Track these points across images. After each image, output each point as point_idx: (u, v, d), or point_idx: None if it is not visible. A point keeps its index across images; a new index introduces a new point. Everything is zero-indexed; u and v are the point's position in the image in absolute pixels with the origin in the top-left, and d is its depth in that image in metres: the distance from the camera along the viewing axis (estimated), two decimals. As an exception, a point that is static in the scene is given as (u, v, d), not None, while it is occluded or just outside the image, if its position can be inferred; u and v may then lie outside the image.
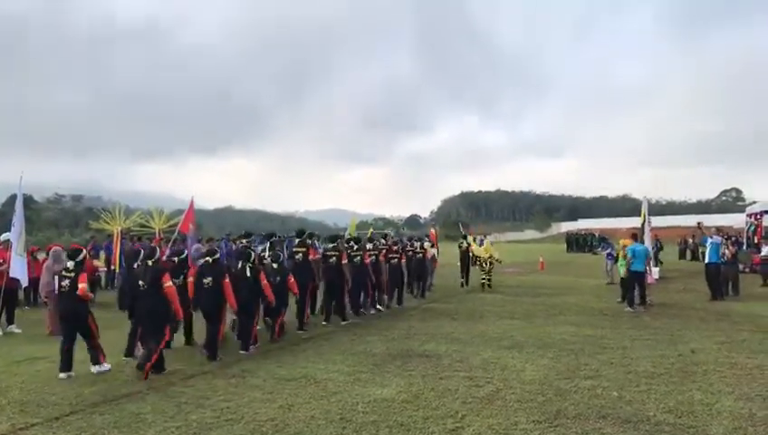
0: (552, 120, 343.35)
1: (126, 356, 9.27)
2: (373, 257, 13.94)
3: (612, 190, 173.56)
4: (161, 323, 8.39)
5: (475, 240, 22.69)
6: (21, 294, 14.59)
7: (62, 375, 8.16)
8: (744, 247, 25.25)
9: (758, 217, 26.32)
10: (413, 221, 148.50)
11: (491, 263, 19.89)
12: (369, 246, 14.29)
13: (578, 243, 52.59)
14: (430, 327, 11.88)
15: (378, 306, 14.51)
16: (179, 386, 7.61)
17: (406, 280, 16.49)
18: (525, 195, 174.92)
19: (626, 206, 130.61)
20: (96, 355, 8.52)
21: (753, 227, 27.39)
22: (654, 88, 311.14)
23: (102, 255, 18.82)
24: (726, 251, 17.10)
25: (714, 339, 10.43)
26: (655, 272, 16.56)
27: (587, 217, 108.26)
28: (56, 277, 8.66)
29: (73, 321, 8.43)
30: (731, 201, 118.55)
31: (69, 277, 8.39)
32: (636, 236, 15.55)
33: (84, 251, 9.04)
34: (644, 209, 20.91)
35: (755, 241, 26.02)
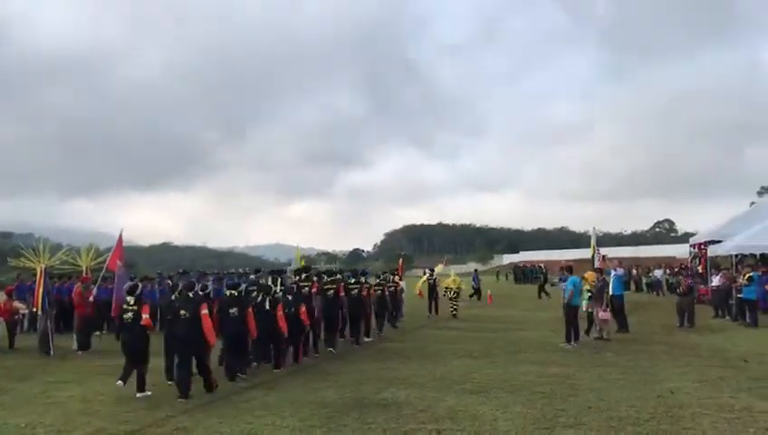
0: (490, 156, 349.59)
1: (170, 380, 9.94)
2: (356, 291, 14.66)
3: (550, 223, 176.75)
4: (201, 346, 9.32)
5: (424, 273, 23.16)
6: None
7: (118, 383, 9.25)
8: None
9: (702, 247, 26.46)
10: (355, 255, 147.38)
11: (457, 293, 21.36)
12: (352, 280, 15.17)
13: (525, 275, 52.92)
14: (385, 370, 10.95)
15: (367, 338, 15.25)
16: (101, 451, 6.46)
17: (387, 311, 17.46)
18: (466, 228, 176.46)
19: (563, 238, 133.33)
20: (143, 383, 9.40)
21: (697, 258, 27.57)
22: (588, 125, 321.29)
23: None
24: (681, 282, 16.83)
25: (689, 377, 9.87)
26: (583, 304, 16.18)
27: (527, 250, 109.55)
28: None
29: (134, 348, 9.51)
30: (664, 232, 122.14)
31: (132, 310, 9.49)
32: (571, 268, 15.13)
33: (140, 286, 10.37)
34: (593, 241, 20.68)
35: (699, 271, 26.12)
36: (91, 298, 15.04)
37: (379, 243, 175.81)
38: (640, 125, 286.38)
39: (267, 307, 10.83)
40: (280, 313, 10.82)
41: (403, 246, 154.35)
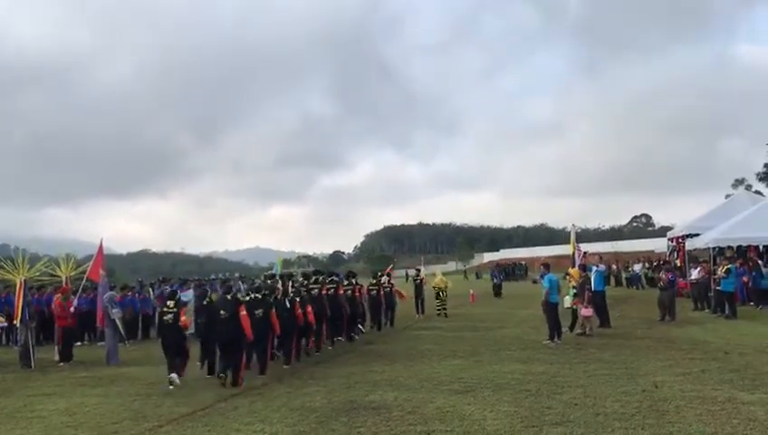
0: (468, 155, 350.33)
1: (209, 374, 11.21)
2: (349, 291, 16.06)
3: (529, 220, 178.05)
4: (239, 343, 10.52)
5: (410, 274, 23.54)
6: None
7: (171, 386, 10.31)
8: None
9: (680, 240, 26.79)
10: (337, 257, 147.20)
11: (445, 292, 22.07)
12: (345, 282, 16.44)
13: (506, 272, 53.22)
14: (372, 373, 10.94)
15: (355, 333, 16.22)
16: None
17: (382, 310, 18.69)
18: (446, 227, 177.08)
19: (542, 235, 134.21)
20: (180, 369, 10.72)
21: (675, 252, 27.90)
22: (564, 122, 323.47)
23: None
24: (662, 276, 17.03)
25: (672, 370, 9.97)
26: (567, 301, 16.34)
27: (507, 247, 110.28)
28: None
29: (174, 345, 10.83)
30: (642, 227, 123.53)
31: (172, 313, 10.84)
32: (548, 265, 15.22)
33: (179, 293, 12.22)
34: (572, 237, 20.88)
35: (678, 265, 26.43)
36: (72, 309, 14.87)
37: (359, 245, 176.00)
38: (615, 120, 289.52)
39: (288, 306, 12.07)
40: (298, 311, 12.20)
41: (384, 247, 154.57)
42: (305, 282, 15.03)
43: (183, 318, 10.91)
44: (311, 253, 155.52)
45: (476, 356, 12.39)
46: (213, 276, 26.18)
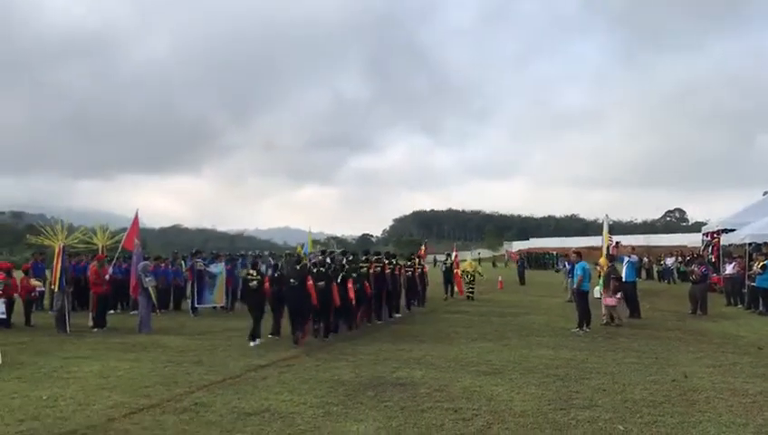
0: (499, 142, 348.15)
1: (271, 334, 12.63)
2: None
3: (560, 211, 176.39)
4: (306, 308, 11.86)
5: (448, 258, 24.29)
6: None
7: (252, 343, 11.72)
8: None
9: (715, 235, 26.33)
10: (365, 240, 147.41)
11: (473, 277, 23.03)
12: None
13: (537, 261, 53.22)
14: (400, 351, 11.00)
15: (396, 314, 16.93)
16: (122, 423, 6.53)
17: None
18: (475, 214, 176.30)
19: (574, 226, 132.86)
20: (258, 334, 12.02)
21: (710, 246, 27.44)
22: (599, 112, 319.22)
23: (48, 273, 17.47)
24: (695, 269, 16.79)
25: (702, 362, 9.87)
26: (596, 291, 16.25)
27: (536, 237, 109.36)
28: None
29: (258, 308, 12.30)
30: (675, 221, 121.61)
31: (256, 280, 12.36)
32: (580, 253, 15.06)
33: (260, 262, 14.59)
34: (605, 228, 20.61)
35: (712, 260, 25.99)
36: (107, 276, 15.18)
37: (388, 228, 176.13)
38: (651, 112, 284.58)
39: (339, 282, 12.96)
40: (350, 286, 13.15)
41: (412, 231, 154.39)
42: (351, 259, 15.70)
43: (266, 285, 12.36)
44: (339, 235, 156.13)
45: (504, 340, 12.38)
46: (243, 253, 26.44)
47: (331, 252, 18.01)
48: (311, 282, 11.88)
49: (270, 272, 15.04)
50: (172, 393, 7.86)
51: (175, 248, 29.12)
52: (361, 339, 12.68)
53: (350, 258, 15.56)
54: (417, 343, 12.03)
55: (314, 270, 12.61)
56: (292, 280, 12.05)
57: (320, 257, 14.63)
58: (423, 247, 26.34)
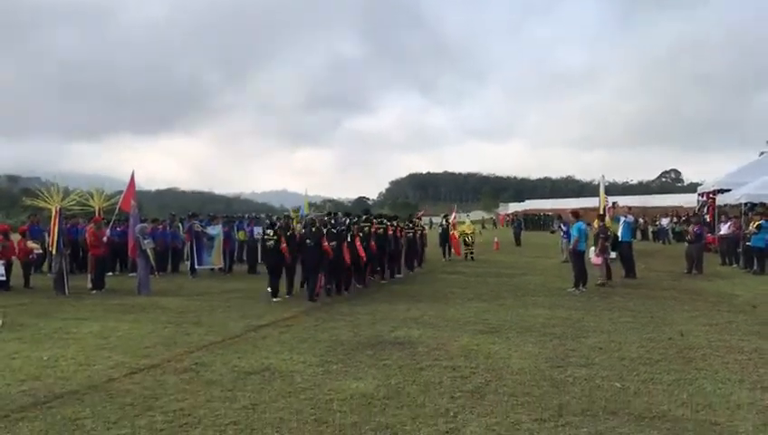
0: (495, 104, 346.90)
1: (288, 294, 12.95)
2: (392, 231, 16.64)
3: (556, 172, 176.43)
4: (320, 265, 12.49)
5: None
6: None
7: (275, 299, 12.52)
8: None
9: (711, 196, 26.35)
10: (361, 203, 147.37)
11: (473, 237, 23.66)
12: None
13: (533, 223, 53.46)
14: (397, 311, 11.06)
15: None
16: (122, 383, 6.55)
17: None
18: (472, 176, 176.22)
19: (569, 187, 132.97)
20: (277, 290, 12.75)
21: (705, 206, 27.47)
22: (596, 72, 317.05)
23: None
24: (690, 229, 16.82)
25: (698, 320, 9.93)
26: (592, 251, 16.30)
27: (532, 198, 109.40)
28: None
29: (276, 267, 12.85)
30: (671, 182, 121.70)
31: (273, 239, 12.76)
32: (578, 213, 15.04)
33: (277, 222, 13.86)
34: (601, 189, 20.57)
35: (707, 220, 26.05)
36: (105, 238, 15.14)
37: (384, 191, 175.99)
38: (646, 72, 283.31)
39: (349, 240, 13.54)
40: (358, 243, 13.71)
41: (408, 194, 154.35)
42: (355, 220, 15.85)
43: (283, 245, 12.62)
44: (336, 197, 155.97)
45: (500, 300, 12.44)
46: (240, 215, 26.41)
47: (336, 213, 18.16)
48: (326, 243, 12.44)
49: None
50: (172, 354, 7.88)
51: (172, 211, 29.03)
52: (359, 299, 12.74)
53: (354, 220, 15.62)
54: (415, 302, 12.09)
55: (328, 229, 13.19)
56: (308, 241, 12.52)
57: (325, 219, 14.86)
58: (422, 211, 26.62)
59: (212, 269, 18.31)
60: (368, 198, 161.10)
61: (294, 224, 14.21)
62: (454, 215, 24.61)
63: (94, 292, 14.13)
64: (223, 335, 9.01)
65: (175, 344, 8.43)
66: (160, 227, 18.91)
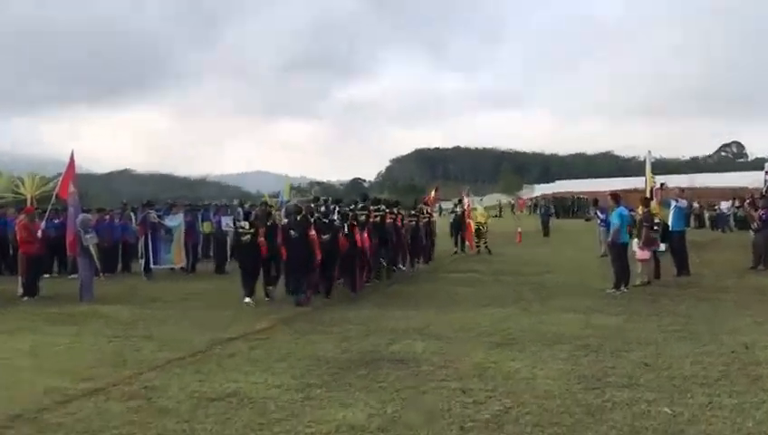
0: (515, 67, 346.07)
1: (266, 297, 13.26)
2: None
3: (591, 147, 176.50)
4: (308, 261, 12.50)
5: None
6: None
7: (247, 300, 12.76)
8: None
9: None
10: (356, 186, 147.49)
11: (486, 226, 24.37)
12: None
13: (565, 208, 53.44)
14: (395, 319, 11.07)
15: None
16: (56, 413, 6.45)
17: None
18: (488, 152, 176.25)
19: (608, 164, 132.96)
20: (252, 291, 12.95)
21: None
22: (635, 28, 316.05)
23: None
24: (756, 214, 16.78)
25: (766, 329, 9.88)
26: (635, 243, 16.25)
27: (563, 178, 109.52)
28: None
29: (252, 264, 13.02)
30: (731, 158, 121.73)
31: (249, 233, 13.01)
32: (618, 197, 14.94)
33: (254, 213, 14.21)
34: (647, 167, 20.49)
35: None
36: (39, 233, 14.98)
37: (383, 171, 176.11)
38: (699, 26, 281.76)
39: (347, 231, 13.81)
40: (357, 236, 13.94)
41: (413, 173, 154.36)
42: (352, 207, 15.95)
43: (261, 239, 12.87)
44: (324, 180, 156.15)
45: (523, 304, 12.50)
46: (206, 202, 26.42)
47: (325, 200, 18.35)
48: (313, 233, 12.54)
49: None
50: (119, 375, 7.81)
51: (123, 198, 29.07)
52: (350, 304, 12.70)
53: (351, 207, 15.73)
54: (417, 308, 12.17)
55: (318, 219, 13.34)
56: (292, 231, 12.62)
57: (322, 208, 14.94)
58: (433, 192, 26.91)
59: (171, 269, 18.28)
60: (364, 180, 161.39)
61: (274, 212, 14.16)
62: (467, 200, 24.60)
63: (26, 299, 14.05)
64: (181, 352, 8.94)
65: (122, 364, 8.38)
66: (108, 217, 18.86)
